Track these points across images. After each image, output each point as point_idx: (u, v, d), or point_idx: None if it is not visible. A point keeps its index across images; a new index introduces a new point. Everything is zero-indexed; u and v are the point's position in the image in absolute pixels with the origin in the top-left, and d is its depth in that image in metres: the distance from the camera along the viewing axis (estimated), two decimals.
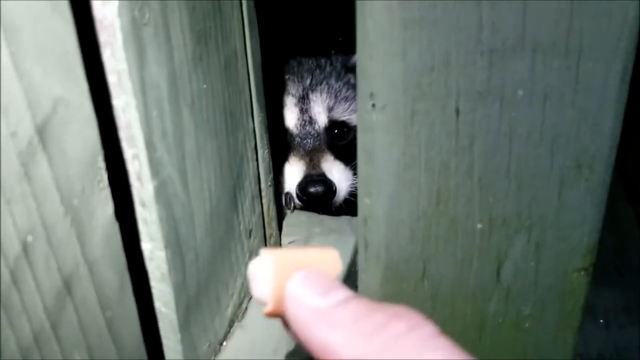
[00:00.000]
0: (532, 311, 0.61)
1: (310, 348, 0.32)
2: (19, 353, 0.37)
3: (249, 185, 0.69)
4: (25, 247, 0.37)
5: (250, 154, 0.69)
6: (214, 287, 0.63)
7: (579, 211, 0.55)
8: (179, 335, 0.57)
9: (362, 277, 0.64)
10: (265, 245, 0.76)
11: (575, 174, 0.54)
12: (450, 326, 0.63)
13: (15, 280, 0.36)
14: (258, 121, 0.69)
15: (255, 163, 0.70)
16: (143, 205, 0.51)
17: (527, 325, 0.62)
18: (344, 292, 0.33)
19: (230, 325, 0.68)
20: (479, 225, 0.57)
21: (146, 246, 0.53)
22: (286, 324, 0.35)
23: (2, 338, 0.35)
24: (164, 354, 0.58)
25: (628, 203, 1.41)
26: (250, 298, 0.72)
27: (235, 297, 0.68)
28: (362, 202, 0.59)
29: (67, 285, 0.41)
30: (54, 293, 0.39)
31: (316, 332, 0.32)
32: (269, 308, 0.35)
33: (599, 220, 0.57)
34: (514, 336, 0.63)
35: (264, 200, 0.75)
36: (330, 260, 0.37)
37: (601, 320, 1.11)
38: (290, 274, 0.34)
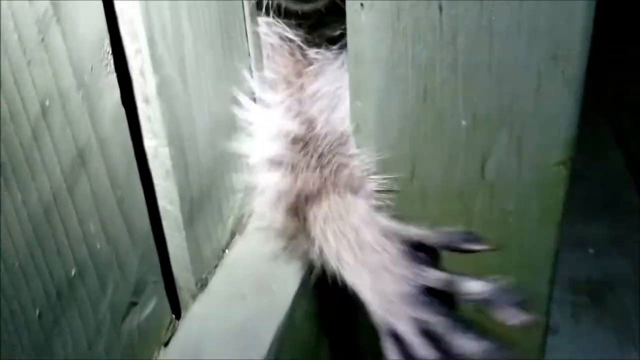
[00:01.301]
0: (516, 207, 0.65)
1: None
2: (41, 207, 0.40)
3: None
4: (44, 110, 0.40)
5: (246, 73, 0.72)
6: (216, 195, 0.67)
7: (556, 103, 0.59)
8: (183, 233, 0.60)
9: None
10: None
11: (553, 66, 0.57)
12: (440, 225, 0.66)
13: (35, 138, 0.39)
14: (252, 43, 0.72)
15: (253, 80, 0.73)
16: (146, 101, 0.54)
17: (510, 221, 0.65)
18: None
19: (232, 236, 0.71)
20: (463, 122, 0.61)
21: (150, 143, 0.56)
22: None
23: (25, 191, 0.39)
24: (169, 255, 0.62)
25: (618, 147, 1.45)
26: (251, 213, 0.76)
27: (236, 209, 0.72)
28: (354, 106, 0.63)
29: (81, 155, 0.44)
30: (69, 159, 0.43)
31: None
32: None
33: (576, 114, 0.60)
34: (498, 234, 0.66)
35: None
36: None
37: (591, 250, 1.16)
38: None
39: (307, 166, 0.65)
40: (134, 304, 0.52)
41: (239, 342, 0.57)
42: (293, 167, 0.66)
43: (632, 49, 1.69)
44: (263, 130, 0.68)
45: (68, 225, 0.43)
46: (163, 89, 0.54)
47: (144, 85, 0.53)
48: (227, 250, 0.70)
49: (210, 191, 0.65)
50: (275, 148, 0.67)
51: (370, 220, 0.63)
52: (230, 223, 0.71)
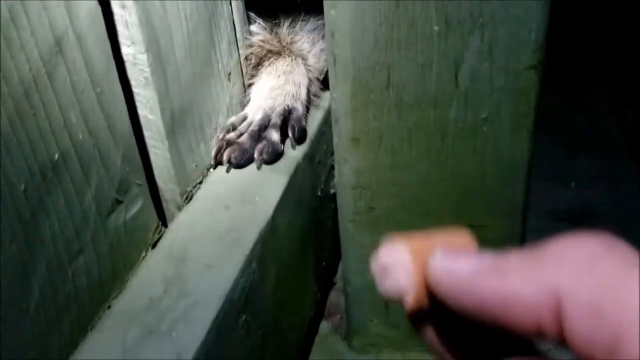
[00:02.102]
0: (489, 114, 0.67)
1: (482, 308, 0.27)
2: (21, 88, 0.42)
3: (224, 27, 0.73)
4: None
5: None
6: (197, 112, 0.68)
7: (525, 7, 0.60)
8: (166, 143, 0.62)
9: (333, 96, 0.69)
10: (245, 93, 0.81)
11: None
12: (417, 134, 0.68)
13: (12, 18, 0.41)
14: None
15: (230, 7, 0.75)
16: (123, 7, 0.55)
17: (485, 129, 0.67)
18: (492, 254, 0.30)
19: None
20: (436, 27, 0.62)
21: (128, 51, 0.57)
22: (418, 328, 0.32)
23: (5, 67, 0.40)
24: (153, 165, 0.63)
25: (603, 87, 1.47)
26: None
27: (219, 130, 0.73)
28: (329, 15, 0.64)
29: (59, 44, 0.45)
30: (47, 45, 0.44)
31: (483, 289, 0.27)
32: (411, 297, 0.30)
33: (545, 18, 0.61)
34: (474, 142, 0.68)
35: (241, 51, 0.79)
36: (463, 242, 0.34)
37: (573, 184, 1.18)
38: (426, 260, 0.30)
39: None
40: (119, 201, 0.54)
41: (224, 244, 0.60)
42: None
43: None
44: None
45: (49, 110, 0.45)
46: None
47: None
48: (211, 169, 0.72)
49: (192, 107, 0.67)
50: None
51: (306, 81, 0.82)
52: (213, 143, 0.72)
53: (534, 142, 0.69)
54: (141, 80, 0.58)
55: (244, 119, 0.76)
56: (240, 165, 0.70)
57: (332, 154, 0.75)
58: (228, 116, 0.76)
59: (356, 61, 0.65)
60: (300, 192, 0.74)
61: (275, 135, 0.73)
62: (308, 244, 0.79)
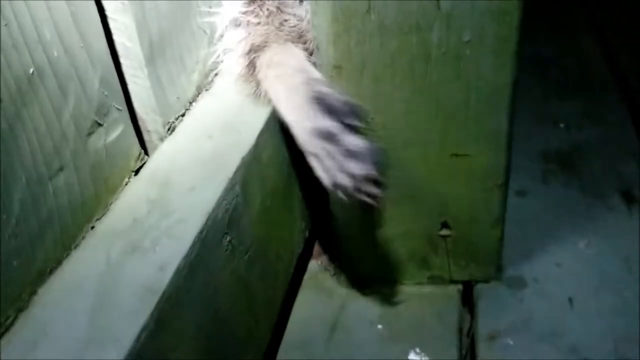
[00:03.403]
0: (472, 37, 0.66)
1: None
2: None
3: None
4: None
5: None
6: (177, 43, 0.68)
7: None
8: (145, 71, 0.62)
9: (314, 23, 0.69)
10: None
11: None
12: (399, 60, 0.68)
13: None
14: None
15: None
16: None
17: (468, 52, 0.67)
18: None
19: (198, 90, 0.73)
20: None
21: None
22: None
23: None
24: (132, 95, 0.63)
25: (591, 32, 1.46)
26: (217, 74, 0.77)
27: (200, 65, 0.73)
28: None
29: None
30: None
31: None
32: None
33: None
34: (457, 67, 0.68)
35: None
36: None
37: (562, 125, 1.18)
38: None
39: (258, 23, 0.73)
40: (98, 124, 0.54)
41: (206, 170, 0.60)
42: (248, 25, 0.73)
43: None
44: None
45: (22, 23, 0.44)
46: None
47: None
48: (193, 103, 0.72)
49: (171, 37, 0.66)
50: (235, 10, 0.73)
51: (303, 67, 0.71)
52: (195, 77, 0.72)
53: (517, 66, 0.69)
54: (118, 6, 0.58)
55: None
56: None
57: None
58: (209, 53, 0.75)
59: None
60: (283, 125, 0.74)
61: None
62: (294, 179, 0.79)
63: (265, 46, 0.72)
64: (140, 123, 0.64)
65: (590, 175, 1.04)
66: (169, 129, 0.66)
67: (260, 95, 0.70)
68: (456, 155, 0.75)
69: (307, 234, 0.87)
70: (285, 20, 0.74)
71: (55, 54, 0.48)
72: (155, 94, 0.63)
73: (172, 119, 0.67)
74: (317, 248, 0.94)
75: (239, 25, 0.73)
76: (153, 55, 0.62)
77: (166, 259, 0.49)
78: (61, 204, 0.49)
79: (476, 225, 0.80)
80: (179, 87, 0.68)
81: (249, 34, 0.72)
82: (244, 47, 0.72)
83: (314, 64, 0.73)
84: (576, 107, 1.21)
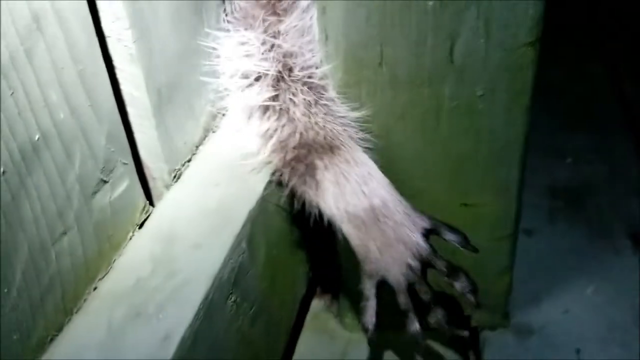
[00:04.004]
0: (485, 92, 0.65)
1: None
2: None
3: (213, 2, 0.71)
4: None
5: None
6: (186, 88, 0.67)
7: None
8: (153, 121, 0.61)
9: (325, 72, 0.67)
10: None
11: None
12: (411, 112, 0.67)
13: None
14: None
15: None
16: None
17: (480, 107, 0.66)
18: None
19: (206, 133, 0.72)
20: (430, 2, 0.60)
21: (112, 27, 0.55)
22: None
23: None
24: (138, 144, 0.62)
25: (599, 62, 1.45)
26: (225, 114, 0.76)
27: (208, 107, 0.72)
28: None
29: (37, 20, 0.44)
30: (24, 21, 0.43)
31: None
32: None
33: None
34: (469, 120, 0.67)
35: None
36: None
37: (569, 160, 1.17)
38: None
39: (299, 113, 0.66)
40: (104, 181, 0.53)
41: (212, 224, 0.59)
42: (282, 113, 0.65)
43: None
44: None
45: (28, 89, 0.43)
46: None
47: None
48: (200, 147, 0.71)
49: (180, 83, 0.65)
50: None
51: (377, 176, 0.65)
52: (203, 119, 0.71)
53: (529, 121, 0.68)
54: (126, 57, 0.57)
55: None
56: None
57: None
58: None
59: (348, 37, 0.63)
60: None
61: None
62: (300, 220, 0.78)
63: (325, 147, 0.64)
64: (146, 171, 0.63)
65: (598, 214, 1.03)
66: (174, 176, 0.65)
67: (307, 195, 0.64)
68: (465, 204, 0.73)
69: (310, 274, 0.85)
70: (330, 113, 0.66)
71: (62, 115, 0.47)
72: (162, 142, 0.62)
73: (179, 166, 0.66)
74: (321, 286, 0.93)
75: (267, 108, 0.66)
76: (161, 103, 0.61)
77: (170, 327, 0.47)
78: (64, 268, 0.48)
79: (484, 273, 0.79)
80: (186, 132, 0.67)
81: (292, 129, 0.65)
82: (288, 144, 0.64)
83: None
84: (584, 140, 1.20)
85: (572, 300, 0.88)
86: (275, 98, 0.65)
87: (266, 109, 0.66)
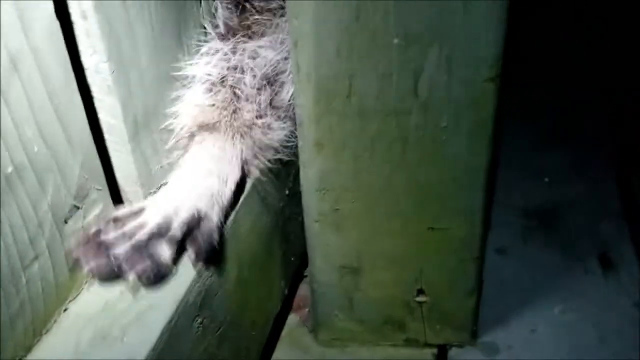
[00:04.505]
0: (449, 123, 0.68)
1: None
2: None
3: (193, 27, 0.74)
4: None
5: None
6: (162, 113, 0.69)
7: (483, 20, 0.61)
8: (129, 146, 0.63)
9: (297, 102, 0.70)
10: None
11: None
12: (379, 141, 0.70)
13: None
14: None
15: (200, 8, 0.75)
16: (84, 17, 0.56)
17: (444, 137, 0.69)
18: None
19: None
20: (395, 40, 0.63)
21: (90, 60, 0.58)
22: None
23: None
24: (114, 169, 0.65)
25: (577, 82, 1.47)
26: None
27: (181, 129, 0.74)
28: (292, 24, 0.65)
29: (14, 62, 0.47)
30: (1, 63, 0.45)
31: None
32: None
33: (502, 31, 0.62)
34: (433, 149, 0.70)
35: None
36: None
37: (546, 179, 1.19)
38: None
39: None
40: (77, 207, 0.56)
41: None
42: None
43: None
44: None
45: (4, 127, 0.46)
46: (100, 5, 0.56)
47: (80, 1, 0.55)
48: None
49: (157, 108, 0.68)
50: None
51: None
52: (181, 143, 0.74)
53: (492, 150, 0.70)
54: (104, 88, 0.59)
55: (138, 213, 0.62)
56: (103, 280, 0.56)
57: None
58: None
59: (318, 69, 0.66)
60: (265, 194, 0.75)
61: (166, 253, 0.58)
62: (275, 241, 0.81)
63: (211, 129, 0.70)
64: (122, 194, 0.66)
65: (570, 235, 1.06)
66: None
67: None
68: (433, 228, 0.76)
69: (286, 291, 0.88)
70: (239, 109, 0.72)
71: (36, 149, 0.50)
72: (138, 167, 0.65)
73: (154, 189, 0.68)
74: (297, 300, 0.96)
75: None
76: (137, 129, 0.64)
77: (134, 349, 0.50)
78: (34, 292, 0.51)
79: (451, 294, 0.82)
80: (162, 155, 0.70)
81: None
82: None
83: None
84: (562, 159, 1.23)
85: (540, 320, 0.91)
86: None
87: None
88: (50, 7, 0.51)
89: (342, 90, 0.67)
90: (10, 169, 0.47)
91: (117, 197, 0.65)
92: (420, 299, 0.83)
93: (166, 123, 0.70)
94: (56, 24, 0.52)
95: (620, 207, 1.10)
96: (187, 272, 0.58)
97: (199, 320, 0.59)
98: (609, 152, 1.24)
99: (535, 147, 1.26)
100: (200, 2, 0.75)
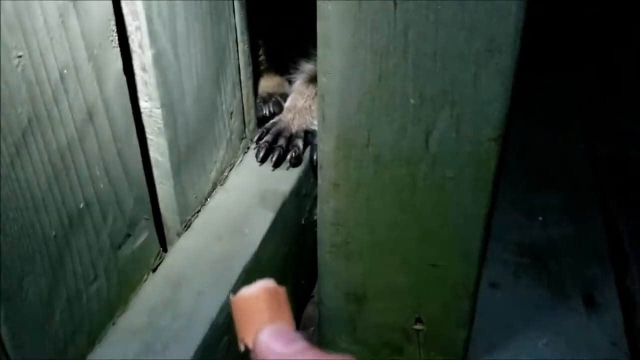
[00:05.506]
0: (454, 175, 0.76)
1: None
2: (58, 153, 0.52)
3: (230, 72, 0.83)
4: (62, 77, 0.51)
5: (231, 44, 0.82)
6: (200, 151, 0.78)
7: (490, 90, 0.70)
8: (172, 182, 0.72)
9: (320, 147, 0.79)
10: (244, 129, 0.91)
11: (488, 58, 0.68)
12: (390, 186, 0.78)
13: (55, 99, 0.50)
14: (239, 17, 0.82)
15: (236, 54, 0.84)
16: (143, 69, 0.65)
17: (449, 186, 0.77)
18: (303, 344, 0.42)
19: (214, 187, 0.83)
20: (412, 100, 0.72)
21: (146, 105, 0.67)
22: None
23: (46, 139, 0.50)
24: (159, 199, 0.73)
25: (577, 124, 1.56)
26: (232, 168, 0.88)
27: (218, 164, 0.83)
28: (320, 81, 0.73)
29: (90, 113, 0.55)
30: (81, 116, 0.54)
31: None
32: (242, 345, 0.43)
33: (507, 99, 0.71)
34: (438, 196, 0.78)
35: (244, 90, 0.89)
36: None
37: (540, 218, 1.28)
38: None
39: None
40: (129, 235, 0.64)
41: (214, 275, 0.70)
42: None
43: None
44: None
45: (79, 168, 0.54)
46: (158, 59, 0.64)
47: (142, 56, 0.63)
48: (209, 199, 0.82)
49: (196, 148, 0.76)
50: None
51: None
52: (212, 176, 0.82)
53: (492, 201, 0.79)
54: (155, 129, 0.68)
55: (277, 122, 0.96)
56: (277, 165, 0.89)
57: None
58: (227, 150, 0.85)
59: (341, 121, 0.74)
60: (285, 224, 0.84)
61: (301, 145, 0.92)
62: (289, 268, 0.89)
63: None
64: (162, 220, 0.74)
65: (558, 274, 1.14)
66: (185, 225, 0.76)
67: None
68: (433, 265, 0.84)
69: (295, 311, 0.96)
70: None
71: (102, 186, 0.58)
72: (177, 198, 0.73)
73: (189, 216, 0.77)
74: (304, 320, 1.04)
75: None
76: (180, 165, 0.72)
77: None
78: (92, 309, 0.59)
79: (446, 324, 0.90)
80: (198, 187, 0.78)
81: None
82: None
83: None
84: (556, 200, 1.31)
85: (525, 351, 0.99)
86: None
87: None
88: (120, 64, 0.59)
89: (361, 140, 0.75)
90: (82, 205, 0.56)
91: (158, 223, 0.73)
92: (418, 327, 0.91)
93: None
94: (123, 79, 0.60)
95: (607, 251, 1.18)
96: (217, 295, 0.66)
97: (226, 339, 0.67)
98: (599, 198, 1.32)
99: (530, 188, 1.35)
100: (237, 49, 0.84)
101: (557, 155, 1.46)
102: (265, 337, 0.42)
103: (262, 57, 1.06)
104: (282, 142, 0.92)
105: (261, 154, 0.89)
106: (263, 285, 0.44)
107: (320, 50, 0.71)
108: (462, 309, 0.88)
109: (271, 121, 0.97)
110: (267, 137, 0.92)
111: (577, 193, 1.34)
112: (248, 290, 0.44)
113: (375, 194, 0.79)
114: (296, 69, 1.05)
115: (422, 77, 0.70)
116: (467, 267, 0.84)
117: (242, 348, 0.44)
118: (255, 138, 0.93)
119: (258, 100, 1.00)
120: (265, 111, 1.00)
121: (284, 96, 1.04)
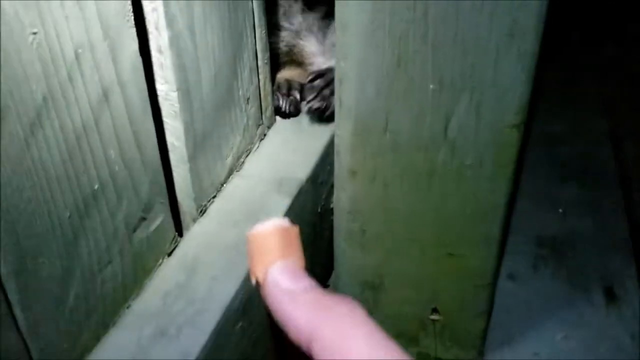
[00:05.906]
0: (473, 162, 0.75)
1: (276, 318, 0.43)
2: (74, 134, 0.51)
3: (247, 57, 0.82)
4: (77, 56, 0.50)
5: (249, 30, 0.81)
6: (217, 136, 0.77)
7: (511, 75, 0.68)
8: (187, 165, 0.71)
9: (337, 132, 0.78)
10: (261, 115, 0.90)
11: (509, 42, 0.66)
12: (407, 173, 0.77)
13: (70, 78, 0.50)
14: (257, 3, 0.81)
15: (254, 40, 0.83)
16: (160, 51, 0.64)
17: (468, 174, 0.76)
18: (310, 281, 0.43)
19: (230, 173, 0.83)
20: (431, 86, 0.70)
21: (162, 88, 0.66)
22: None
23: (62, 120, 0.50)
24: (174, 184, 0.73)
25: (601, 118, 1.53)
26: (248, 154, 0.87)
27: (234, 149, 0.83)
28: (339, 66, 0.72)
29: (105, 94, 0.55)
30: (96, 97, 0.53)
31: (284, 307, 0.42)
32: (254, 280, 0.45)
33: (529, 85, 0.69)
34: (457, 184, 0.77)
35: (261, 76, 0.88)
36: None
37: (560, 210, 1.26)
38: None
39: None
40: (143, 218, 0.64)
41: (229, 261, 0.69)
42: None
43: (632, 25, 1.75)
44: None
45: (94, 150, 0.54)
46: (174, 42, 0.64)
47: (158, 38, 0.63)
48: (225, 184, 0.81)
49: (212, 133, 0.76)
50: None
51: None
52: (228, 161, 0.82)
53: (511, 189, 0.77)
54: (171, 113, 0.67)
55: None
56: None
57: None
58: (244, 136, 0.85)
59: (359, 106, 0.73)
60: (302, 211, 0.83)
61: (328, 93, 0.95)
62: (307, 255, 0.88)
63: None
64: (178, 206, 0.74)
65: (578, 266, 1.12)
66: (201, 211, 0.75)
67: None
68: (451, 254, 0.83)
69: None
70: None
71: (117, 168, 0.58)
72: (193, 183, 0.73)
73: (205, 202, 0.76)
74: None
75: None
76: (195, 150, 0.72)
77: (188, 348, 0.58)
78: (106, 291, 0.59)
79: (463, 315, 0.89)
80: (214, 173, 0.78)
81: None
82: None
83: None
84: (577, 193, 1.29)
85: (543, 345, 0.97)
86: None
87: None
88: (135, 45, 0.59)
89: (379, 126, 0.74)
90: (96, 186, 0.55)
91: (173, 208, 0.73)
92: (434, 317, 0.90)
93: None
94: (139, 60, 0.60)
95: (630, 243, 1.16)
96: (233, 281, 0.66)
97: (240, 324, 0.66)
98: (622, 191, 1.30)
99: (551, 179, 1.32)
100: (255, 35, 0.83)
101: (580, 148, 1.43)
102: (274, 272, 0.44)
103: (283, 49, 1.04)
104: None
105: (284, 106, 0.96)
106: (277, 223, 0.47)
107: (338, 35, 0.70)
108: (480, 299, 0.87)
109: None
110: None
111: (600, 185, 1.32)
112: (262, 227, 0.46)
113: (392, 182, 0.78)
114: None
115: (441, 62, 0.69)
116: (485, 257, 0.83)
117: (253, 282, 0.46)
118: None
119: (275, 89, 0.99)
120: (282, 103, 0.98)
121: (303, 86, 1.02)
